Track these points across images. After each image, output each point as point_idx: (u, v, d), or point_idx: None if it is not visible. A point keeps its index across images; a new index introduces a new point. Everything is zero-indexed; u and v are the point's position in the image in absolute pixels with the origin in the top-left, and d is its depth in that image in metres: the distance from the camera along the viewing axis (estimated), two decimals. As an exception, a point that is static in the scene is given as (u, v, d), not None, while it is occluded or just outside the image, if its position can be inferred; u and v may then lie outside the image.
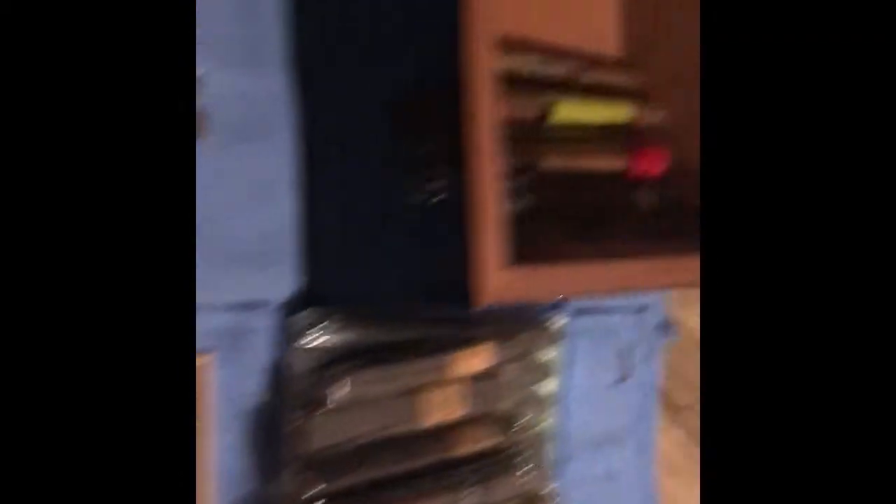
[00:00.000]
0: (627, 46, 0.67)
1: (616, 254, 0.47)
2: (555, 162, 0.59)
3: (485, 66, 0.43)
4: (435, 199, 0.57)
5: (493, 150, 0.43)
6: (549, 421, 0.60)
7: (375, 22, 0.57)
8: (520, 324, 0.59)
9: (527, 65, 0.61)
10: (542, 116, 0.60)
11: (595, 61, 0.65)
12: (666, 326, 0.66)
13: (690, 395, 0.68)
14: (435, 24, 0.55)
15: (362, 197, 0.57)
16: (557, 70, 0.63)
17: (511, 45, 0.61)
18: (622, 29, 0.67)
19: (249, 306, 0.54)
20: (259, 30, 0.55)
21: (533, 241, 0.46)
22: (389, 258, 0.57)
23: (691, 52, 0.49)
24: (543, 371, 0.60)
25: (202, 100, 0.52)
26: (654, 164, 0.62)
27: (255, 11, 0.55)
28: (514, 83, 0.59)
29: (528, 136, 0.59)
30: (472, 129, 0.43)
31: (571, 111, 0.61)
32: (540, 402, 0.60)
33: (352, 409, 0.53)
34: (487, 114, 0.43)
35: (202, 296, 0.51)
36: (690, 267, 0.45)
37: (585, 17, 0.66)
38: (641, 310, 0.65)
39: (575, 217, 0.58)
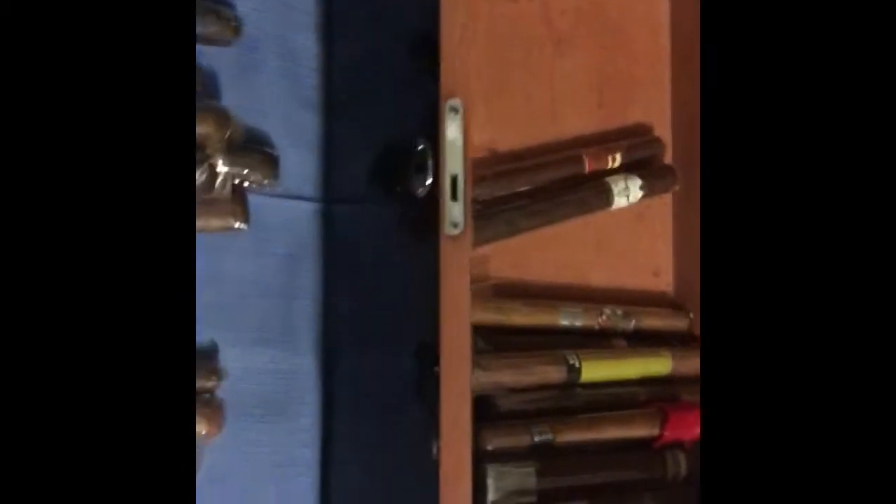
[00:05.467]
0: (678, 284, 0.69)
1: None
2: (575, 436, 0.58)
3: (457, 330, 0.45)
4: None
5: (465, 422, 0.45)
6: None
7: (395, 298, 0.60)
8: None
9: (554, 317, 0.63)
10: (570, 381, 0.60)
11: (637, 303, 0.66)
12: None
13: None
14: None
15: (383, 466, 0.59)
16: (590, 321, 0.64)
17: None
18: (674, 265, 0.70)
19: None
20: (291, 309, 0.59)
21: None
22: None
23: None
24: None
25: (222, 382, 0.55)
26: (687, 430, 0.60)
27: (288, 291, 0.59)
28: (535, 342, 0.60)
29: (551, 406, 0.59)
30: (445, 402, 0.45)
31: (601, 370, 0.61)
32: None
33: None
34: (461, 384, 0.45)
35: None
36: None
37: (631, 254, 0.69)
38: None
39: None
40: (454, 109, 0.45)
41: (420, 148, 0.47)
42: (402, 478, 0.58)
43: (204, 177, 0.51)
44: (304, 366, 0.59)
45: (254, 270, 0.58)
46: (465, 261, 0.45)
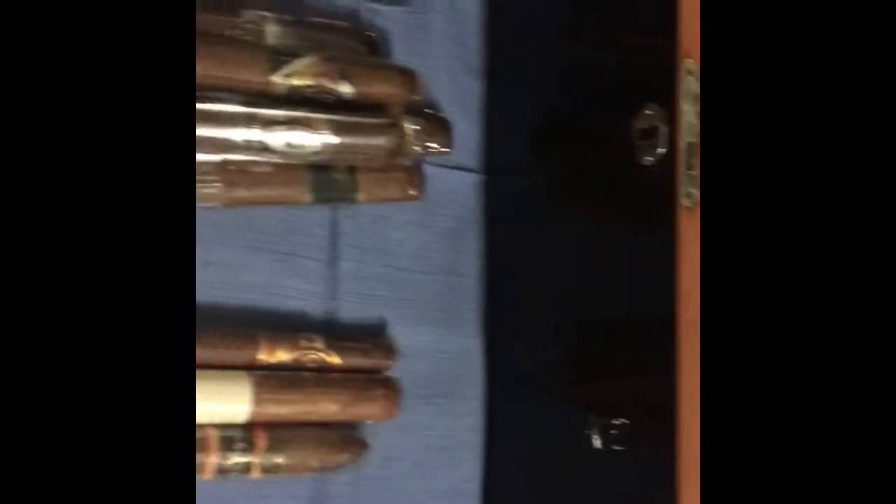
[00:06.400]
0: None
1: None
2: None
3: (693, 306, 0.40)
4: (616, 447, 0.52)
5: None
6: None
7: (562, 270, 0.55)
8: None
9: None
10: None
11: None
12: None
13: None
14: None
15: (543, 453, 0.55)
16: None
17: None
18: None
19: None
20: (456, 286, 0.56)
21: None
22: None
23: None
24: None
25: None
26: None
27: (451, 267, 0.56)
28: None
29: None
30: (684, 380, 0.42)
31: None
32: None
33: None
34: (695, 362, 0.40)
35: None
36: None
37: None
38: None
39: None
40: (690, 72, 0.42)
41: (648, 113, 0.44)
42: (561, 467, 0.55)
43: (395, 141, 0.48)
44: (470, 347, 0.56)
45: (418, 244, 0.54)
46: (698, 233, 0.42)
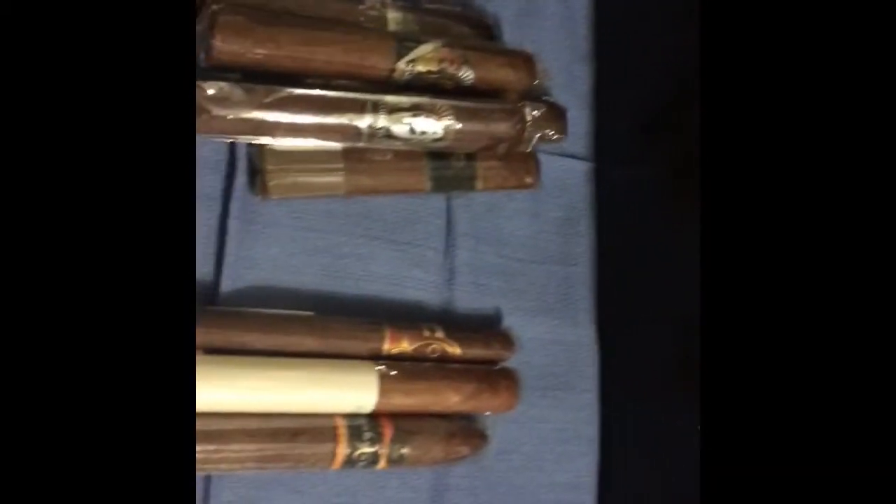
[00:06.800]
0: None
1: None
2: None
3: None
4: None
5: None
6: None
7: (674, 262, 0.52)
8: None
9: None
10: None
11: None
12: None
13: None
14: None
15: (658, 447, 0.54)
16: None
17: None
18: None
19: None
20: (569, 276, 0.55)
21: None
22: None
23: None
24: None
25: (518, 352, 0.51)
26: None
27: (564, 257, 0.55)
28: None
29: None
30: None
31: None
32: None
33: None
34: None
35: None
36: None
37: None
38: None
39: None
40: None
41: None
42: (674, 463, 0.54)
43: (517, 127, 0.47)
44: (584, 338, 0.55)
45: (530, 233, 0.54)
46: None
